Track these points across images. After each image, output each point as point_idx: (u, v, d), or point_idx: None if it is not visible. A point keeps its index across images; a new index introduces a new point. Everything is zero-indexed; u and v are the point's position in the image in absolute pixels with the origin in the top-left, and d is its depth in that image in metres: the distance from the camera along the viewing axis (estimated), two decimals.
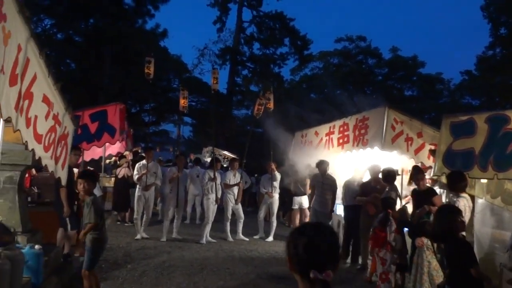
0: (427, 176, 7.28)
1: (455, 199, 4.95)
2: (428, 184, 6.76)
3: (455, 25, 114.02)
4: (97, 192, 7.79)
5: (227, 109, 28.12)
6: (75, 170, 7.14)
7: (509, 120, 4.74)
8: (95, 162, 10.97)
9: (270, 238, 9.34)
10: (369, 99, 26.45)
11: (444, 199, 6.19)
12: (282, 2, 33.46)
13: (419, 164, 7.50)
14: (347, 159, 8.47)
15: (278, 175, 9.63)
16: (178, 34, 65.73)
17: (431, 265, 4.83)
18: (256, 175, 14.85)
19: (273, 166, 9.57)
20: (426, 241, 4.90)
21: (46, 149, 3.89)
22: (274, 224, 9.57)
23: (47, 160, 4.11)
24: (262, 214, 9.78)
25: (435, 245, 4.93)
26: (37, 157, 3.76)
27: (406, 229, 5.80)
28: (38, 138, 3.58)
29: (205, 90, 25.63)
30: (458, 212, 3.57)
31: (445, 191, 6.21)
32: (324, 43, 34.42)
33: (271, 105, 9.60)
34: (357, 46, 30.52)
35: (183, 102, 9.51)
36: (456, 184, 4.92)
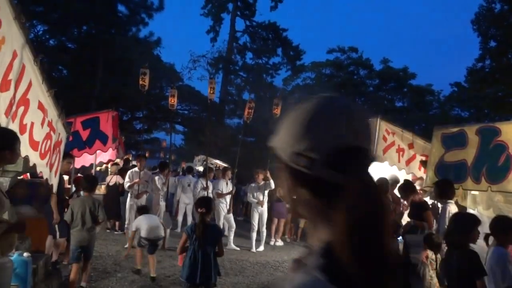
0: (417, 187, 7.33)
1: (444, 206, 4.97)
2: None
3: (446, 37, 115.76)
4: None
5: (219, 118, 28.11)
6: (66, 177, 7.09)
7: (499, 132, 4.81)
8: (86, 170, 10.88)
9: (261, 248, 9.28)
10: None
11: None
12: (275, 13, 33.66)
13: (410, 175, 7.56)
14: None
15: (272, 184, 9.52)
16: (171, 43, 65.99)
17: (433, 280, 4.79)
18: (248, 184, 14.82)
19: (268, 175, 9.46)
20: (430, 254, 4.87)
21: (42, 156, 3.85)
22: (265, 233, 9.50)
23: (42, 168, 4.06)
24: (255, 222, 9.59)
25: (440, 261, 4.90)
26: (31, 164, 3.71)
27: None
28: (34, 145, 3.54)
29: (197, 99, 25.60)
30: (478, 222, 3.52)
31: (435, 201, 6.25)
32: (316, 53, 34.71)
33: (278, 111, 9.62)
34: (349, 57, 30.79)
35: (172, 100, 9.55)
36: (447, 191, 4.97)
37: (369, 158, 0.79)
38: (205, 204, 4.44)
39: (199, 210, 4.37)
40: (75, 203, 5.28)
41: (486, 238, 4.05)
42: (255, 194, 9.59)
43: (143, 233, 6.31)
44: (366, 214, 0.71)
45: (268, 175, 9.45)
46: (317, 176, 0.77)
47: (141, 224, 6.35)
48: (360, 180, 0.74)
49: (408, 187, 6.10)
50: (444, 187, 5.01)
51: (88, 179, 5.85)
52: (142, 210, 6.91)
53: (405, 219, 6.31)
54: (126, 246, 8.34)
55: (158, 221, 6.72)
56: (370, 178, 0.77)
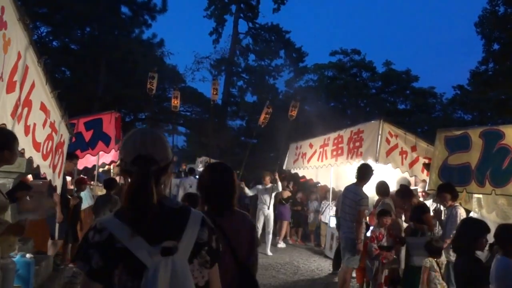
0: (419, 190, 7.32)
1: (455, 209, 4.96)
2: (421, 198, 6.79)
3: (449, 40, 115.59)
4: (90, 201, 7.76)
5: (221, 119, 28.09)
6: (68, 178, 7.10)
7: (503, 135, 4.79)
8: (88, 171, 10.89)
9: (268, 251, 9.10)
10: (363, 112, 26.60)
11: (431, 210, 6.22)
12: (278, 14, 33.65)
13: (413, 178, 7.54)
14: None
15: (280, 187, 9.44)
16: (174, 44, 65.89)
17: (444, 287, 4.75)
18: (251, 186, 14.78)
19: (276, 177, 9.39)
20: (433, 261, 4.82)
21: (44, 157, 3.86)
22: (270, 236, 9.38)
23: (45, 169, 4.07)
24: (260, 225, 9.51)
25: (444, 265, 4.87)
26: (35, 165, 3.71)
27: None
28: (36, 146, 3.55)
29: (199, 100, 25.59)
30: (486, 230, 3.38)
31: (438, 204, 6.24)
32: (319, 56, 34.58)
33: (294, 113, 9.71)
34: (352, 60, 30.65)
35: (174, 102, 9.63)
36: (453, 193, 4.96)
37: (149, 159, 1.46)
38: (190, 200, 4.66)
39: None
40: (100, 198, 6.78)
41: (490, 247, 3.96)
42: (262, 196, 9.50)
43: None
44: (134, 184, 1.40)
45: (276, 177, 9.34)
46: (128, 170, 1.47)
47: None
48: (136, 170, 1.43)
49: (405, 192, 6.10)
50: (450, 190, 5.01)
51: (109, 181, 7.24)
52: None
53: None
54: None
55: None
56: (146, 169, 1.43)
